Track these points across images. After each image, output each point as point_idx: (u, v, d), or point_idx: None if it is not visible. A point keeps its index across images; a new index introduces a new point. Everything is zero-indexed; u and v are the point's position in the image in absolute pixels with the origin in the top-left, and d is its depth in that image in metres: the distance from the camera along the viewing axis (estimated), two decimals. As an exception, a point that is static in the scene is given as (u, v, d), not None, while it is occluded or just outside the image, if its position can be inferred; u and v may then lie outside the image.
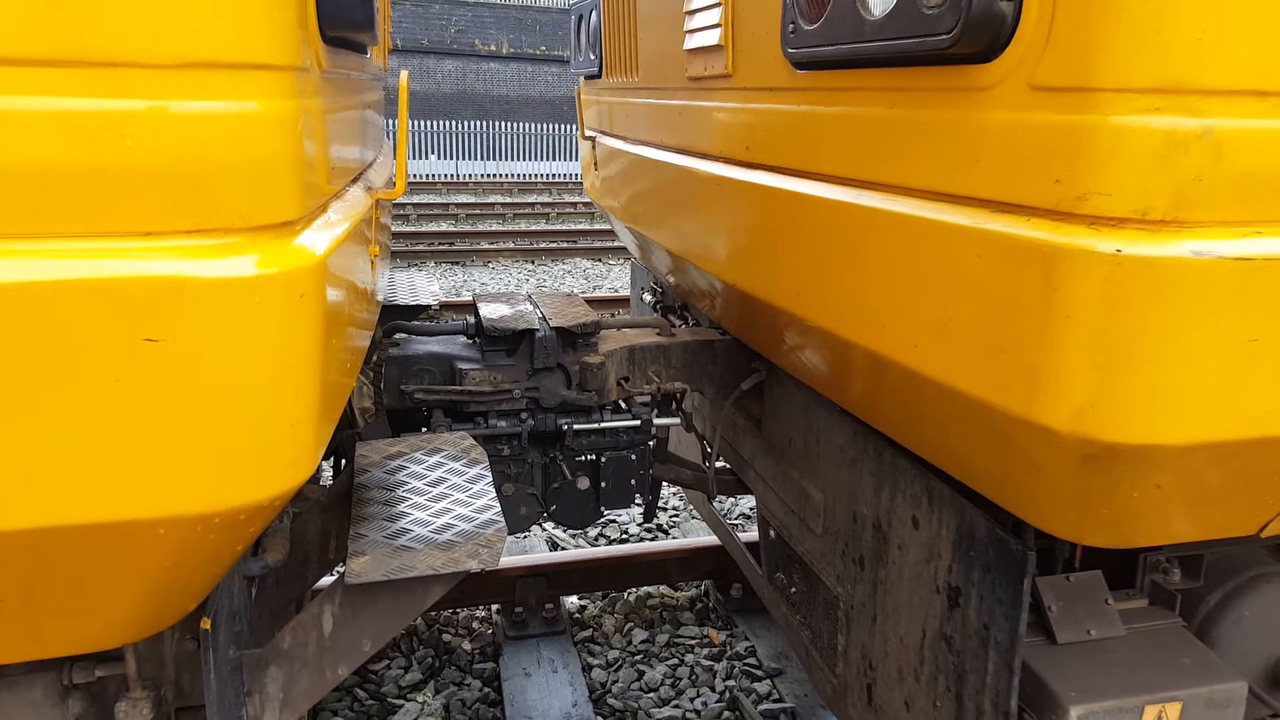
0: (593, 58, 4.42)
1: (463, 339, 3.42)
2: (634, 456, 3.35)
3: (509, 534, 3.50)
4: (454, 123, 33.19)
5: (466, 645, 4.79)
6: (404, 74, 1.97)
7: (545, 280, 13.72)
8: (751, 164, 2.59)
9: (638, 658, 4.65)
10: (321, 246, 1.40)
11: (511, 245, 15.88)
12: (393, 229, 16.29)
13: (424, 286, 4.51)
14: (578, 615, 5.01)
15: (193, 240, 1.26)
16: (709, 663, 4.57)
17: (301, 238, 1.38)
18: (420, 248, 15.38)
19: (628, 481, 3.36)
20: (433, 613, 4.94)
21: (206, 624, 1.69)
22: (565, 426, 3.27)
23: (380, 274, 2.76)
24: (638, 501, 3.47)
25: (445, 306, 10.83)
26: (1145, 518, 1.79)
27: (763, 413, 3.42)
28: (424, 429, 3.31)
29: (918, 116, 1.82)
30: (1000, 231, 1.62)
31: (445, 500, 2.25)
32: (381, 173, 2.62)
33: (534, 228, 18.25)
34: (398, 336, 3.46)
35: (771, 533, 3.42)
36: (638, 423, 3.33)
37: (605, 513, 3.46)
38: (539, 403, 3.25)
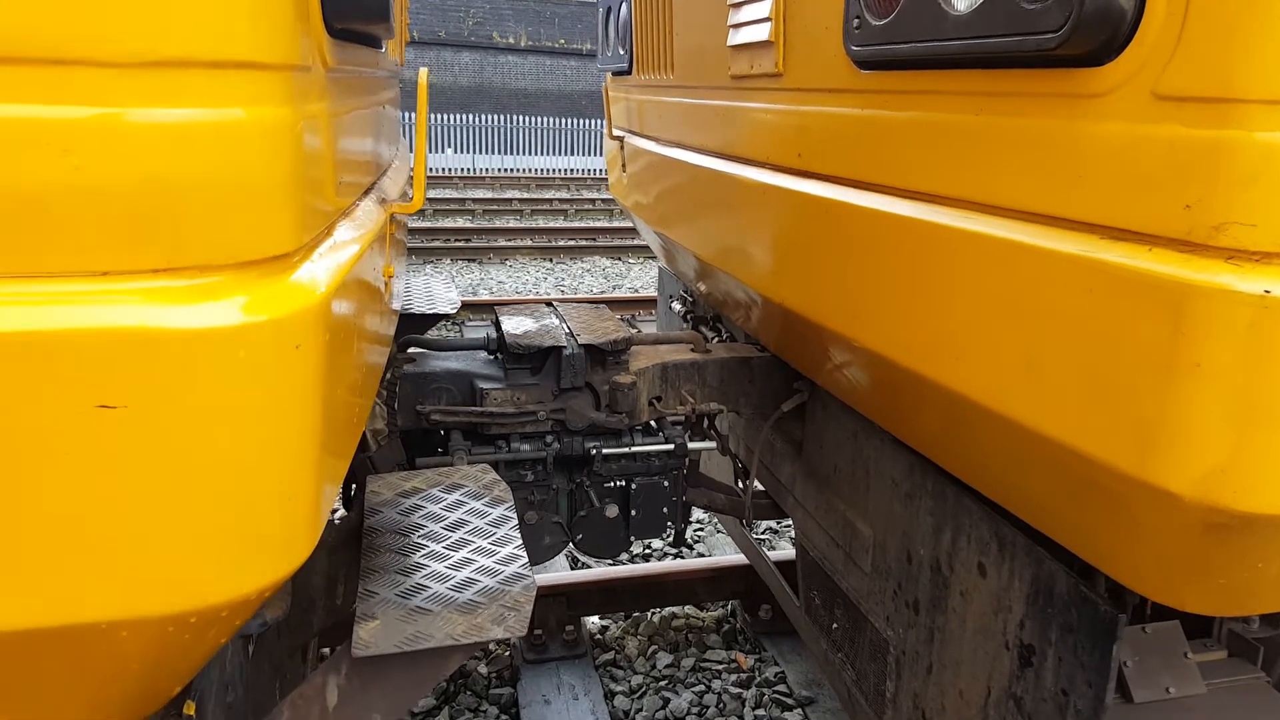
0: (622, 53, 4.19)
1: (483, 355, 3.20)
2: (666, 483, 3.13)
3: (533, 564, 3.30)
4: (471, 116, 33.01)
5: (483, 669, 4.58)
6: (423, 72, 1.74)
7: (564, 279, 13.50)
8: (804, 172, 2.36)
9: (662, 683, 4.43)
10: (324, 282, 1.18)
11: (529, 243, 15.67)
12: (410, 225, 16.10)
13: (442, 293, 4.30)
14: (599, 637, 4.80)
15: (159, 282, 1.03)
16: (737, 690, 4.35)
17: (299, 273, 1.16)
18: (436, 244, 15.19)
19: (659, 509, 3.15)
20: (449, 632, 4.75)
21: (191, 709, 1.47)
22: (593, 450, 3.05)
23: (396, 286, 2.55)
24: (670, 530, 3.25)
25: (464, 306, 10.62)
26: (1269, 589, 1.56)
27: (804, 436, 3.19)
28: (440, 450, 3.10)
29: (1010, 126, 1.59)
30: (1113, 262, 1.39)
31: (466, 549, 2.03)
32: (398, 179, 2.40)
33: (552, 224, 18.04)
34: (412, 351, 3.25)
35: (811, 561, 3.20)
36: (671, 446, 3.11)
37: (635, 542, 3.24)
38: (565, 425, 3.03)
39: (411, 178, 1.78)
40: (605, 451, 3.06)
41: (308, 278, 1.16)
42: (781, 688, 4.36)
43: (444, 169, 30.55)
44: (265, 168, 1.08)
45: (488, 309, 10.70)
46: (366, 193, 1.82)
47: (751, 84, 2.65)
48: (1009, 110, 1.60)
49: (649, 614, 4.94)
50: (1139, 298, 1.35)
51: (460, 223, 18.35)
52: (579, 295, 12.03)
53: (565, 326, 3.18)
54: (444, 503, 2.27)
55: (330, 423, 1.24)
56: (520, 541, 2.07)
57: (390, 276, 1.87)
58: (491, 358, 3.18)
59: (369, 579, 1.96)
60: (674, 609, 4.98)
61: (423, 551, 2.04)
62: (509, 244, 15.51)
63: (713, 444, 3.26)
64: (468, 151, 32.73)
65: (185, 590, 1.09)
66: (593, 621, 4.92)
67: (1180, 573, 1.53)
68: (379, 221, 1.70)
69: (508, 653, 4.67)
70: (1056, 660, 1.97)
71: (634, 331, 3.19)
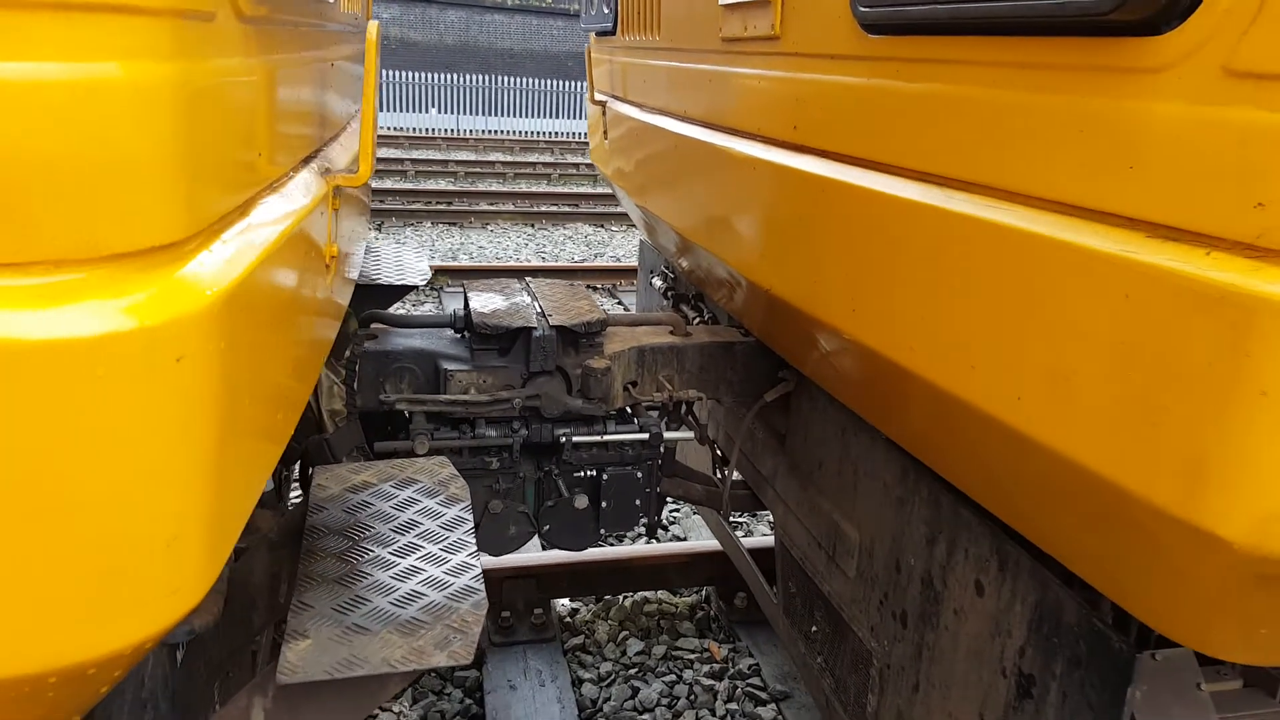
0: (606, 11, 3.94)
1: (449, 333, 2.99)
2: (640, 473, 2.94)
3: (496, 555, 3.10)
4: (456, 75, 32.38)
5: (448, 650, 4.40)
6: (372, 26, 1.51)
7: (545, 245, 13.22)
8: (799, 146, 2.15)
9: (632, 672, 4.28)
10: (225, 276, 0.96)
11: (511, 207, 15.35)
12: (391, 186, 15.68)
13: (412, 263, 4.06)
14: (569, 620, 4.63)
15: (1, 280, 0.82)
16: (709, 681, 4.20)
17: (190, 266, 0.94)
18: (417, 206, 14.84)
19: (632, 501, 2.96)
20: (412, 614, 4.56)
21: None
22: (563, 438, 2.85)
23: (349, 262, 2.31)
24: (643, 523, 3.06)
25: (440, 272, 10.35)
26: (1315, 639, 1.38)
27: (788, 427, 3.00)
28: (402, 435, 2.88)
29: (1043, 103, 1.38)
30: (1162, 266, 1.19)
31: (414, 555, 1.83)
32: (352, 145, 2.16)
33: (535, 189, 17.71)
34: (375, 328, 3.03)
35: (791, 559, 3.03)
36: (646, 436, 2.91)
37: (605, 535, 3.05)
38: (539, 412, 2.83)
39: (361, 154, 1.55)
40: (576, 439, 2.86)
41: (201, 272, 0.93)
42: (756, 680, 4.21)
43: (428, 129, 30.00)
44: (139, 138, 0.85)
45: (467, 274, 10.43)
46: (307, 161, 1.59)
47: (744, 47, 2.42)
48: (1041, 85, 1.38)
49: (621, 598, 4.78)
50: (1193, 309, 1.16)
51: (443, 185, 17.98)
52: (560, 263, 11.77)
53: (537, 305, 2.97)
54: (395, 500, 2.06)
55: (232, 444, 1.03)
56: (474, 548, 1.87)
57: (335, 256, 1.64)
58: (459, 336, 2.96)
59: (305, 588, 1.76)
60: (646, 594, 4.81)
61: (367, 558, 1.84)
62: (491, 208, 15.20)
63: (690, 434, 3.06)
64: (452, 112, 32.15)
65: (35, 650, 0.88)
66: (562, 604, 4.75)
67: (1216, 619, 1.35)
68: (318, 195, 1.47)
69: (473, 636, 4.49)
70: (1060, 695, 1.80)
71: (609, 313, 2.97)
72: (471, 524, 1.95)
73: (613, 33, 3.88)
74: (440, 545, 1.88)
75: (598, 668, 4.29)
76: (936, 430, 1.92)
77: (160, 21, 0.87)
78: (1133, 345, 1.25)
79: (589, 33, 4.46)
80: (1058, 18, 1.28)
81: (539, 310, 2.91)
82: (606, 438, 2.88)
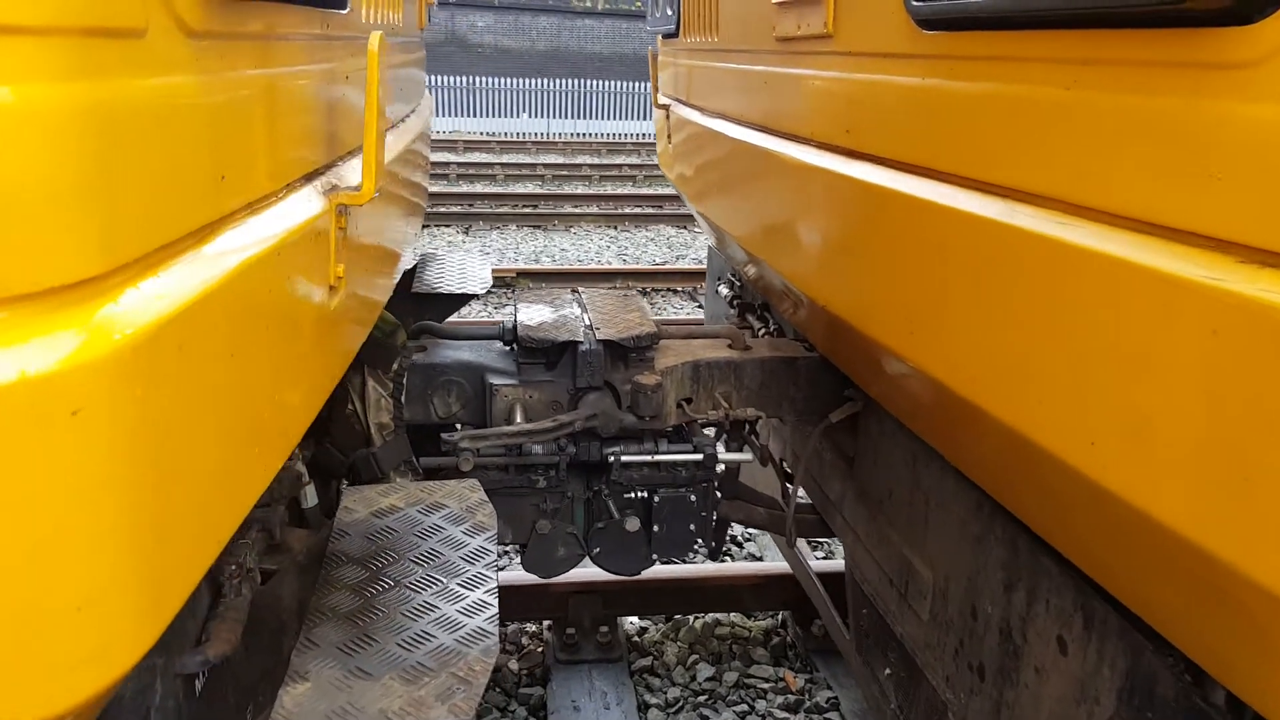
0: (670, 12, 3.80)
1: (499, 345, 2.89)
2: (693, 496, 2.79)
3: (545, 576, 3.00)
4: (547, 80, 32.67)
5: (514, 665, 4.32)
6: (374, 38, 1.40)
7: (627, 248, 13.13)
8: (853, 152, 1.98)
9: (701, 699, 4.11)
10: (152, 313, 0.86)
11: (596, 209, 15.34)
12: (481, 191, 15.80)
13: (475, 272, 3.99)
14: (637, 639, 4.50)
15: None
16: (784, 714, 4.00)
17: (107, 307, 0.84)
18: (504, 210, 14.96)
19: (685, 525, 2.81)
20: (476, 628, 4.49)
21: None
22: (611, 457, 2.72)
23: (377, 277, 2.23)
24: (699, 546, 2.92)
25: (521, 275, 10.36)
26: None
27: (856, 450, 2.81)
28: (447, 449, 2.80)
29: (1116, 104, 1.19)
30: (1258, 298, 1.00)
31: (431, 590, 1.73)
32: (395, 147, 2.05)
33: (620, 191, 17.69)
34: (425, 339, 2.96)
35: (862, 594, 2.84)
36: (699, 457, 2.76)
37: (658, 560, 2.92)
38: (596, 432, 2.71)
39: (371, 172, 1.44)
40: (625, 458, 2.73)
41: (116, 313, 0.83)
42: (834, 716, 3.98)
43: (518, 134, 30.36)
44: (36, 168, 0.75)
45: (548, 278, 10.42)
46: (310, 179, 1.49)
47: (798, 47, 2.25)
48: (1114, 84, 1.19)
49: (691, 619, 4.62)
50: (1295, 351, 0.96)
51: (530, 188, 18.11)
52: (640, 265, 11.67)
53: (586, 317, 2.85)
54: (419, 526, 1.97)
55: (167, 496, 0.93)
56: (494, 584, 1.76)
57: (341, 277, 1.55)
58: (507, 349, 2.87)
59: (314, 623, 1.68)
60: (718, 615, 4.64)
61: (382, 592, 1.75)
62: (575, 210, 15.22)
63: (749, 455, 2.90)
64: (543, 116, 32.45)
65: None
66: (630, 622, 4.61)
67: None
68: (312, 215, 1.37)
69: (540, 649, 4.41)
70: (1152, 774, 1.59)
71: (664, 325, 2.83)
72: (494, 556, 1.84)
73: (676, 34, 3.74)
74: (459, 579, 1.78)
75: (665, 692, 4.15)
76: (1006, 469, 1.72)
77: (59, 41, 0.77)
78: (1221, 390, 1.05)
79: (656, 35, 4.33)
80: (1129, 7, 1.09)
81: (587, 323, 2.79)
82: (658, 457, 2.75)
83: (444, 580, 1.77)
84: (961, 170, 1.55)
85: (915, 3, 1.58)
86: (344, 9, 1.68)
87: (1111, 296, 1.20)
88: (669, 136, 3.97)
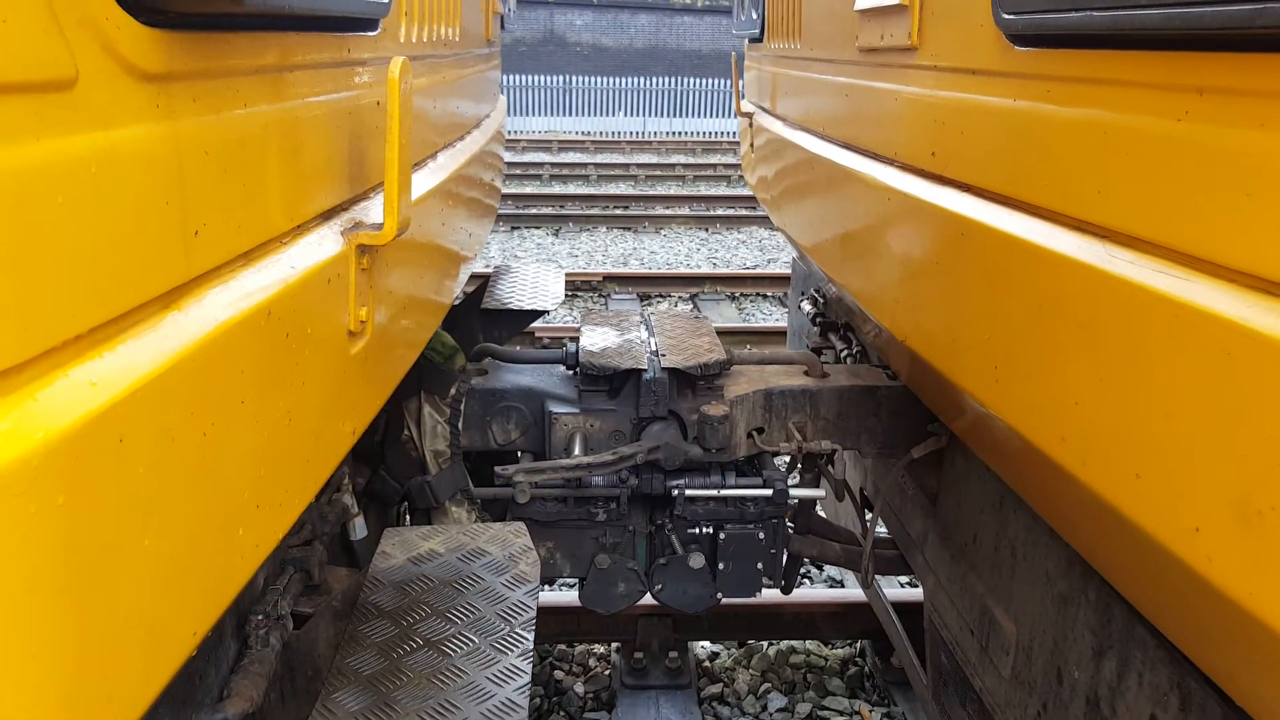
0: (754, 15, 3.63)
1: (561, 370, 2.78)
2: (762, 534, 2.63)
3: (604, 611, 2.87)
4: (643, 79, 32.61)
5: (579, 688, 4.22)
6: (395, 63, 1.28)
7: (717, 250, 12.91)
8: (938, 177, 1.79)
9: (772, 731, 3.95)
10: (86, 404, 0.75)
11: (687, 211, 15.16)
12: (573, 192, 15.78)
13: (547, 286, 3.89)
14: (707, 665, 4.35)
15: None
16: (857, 750, 3.81)
17: (30, 404, 0.72)
18: (595, 211, 14.92)
19: (753, 564, 2.65)
20: (546, 645, 4.41)
21: None
22: (675, 490, 2.58)
23: (452, 282, 2.10)
24: (767, 583, 2.75)
25: (608, 279, 10.28)
26: None
27: (940, 487, 2.61)
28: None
29: (1234, 141, 1.00)
30: None
31: (461, 652, 1.62)
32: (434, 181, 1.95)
33: (713, 191, 17.48)
34: (486, 362, 2.86)
35: (940, 640, 2.63)
36: (769, 493, 2.60)
37: (722, 599, 2.76)
38: (659, 465, 2.57)
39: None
40: (690, 492, 2.58)
41: (34, 409, 0.72)
42: (909, 754, 3.80)
43: (614, 132, 30.37)
44: None
45: (635, 282, 10.32)
46: (328, 217, 1.39)
47: (881, 58, 2.07)
48: (1234, 117, 1.00)
49: (765, 645, 4.45)
50: None
51: (623, 189, 18.04)
52: (730, 269, 11.46)
53: (652, 342, 2.71)
54: (456, 574, 1.87)
55: (114, 597, 0.82)
56: (529, 646, 1.64)
57: (364, 320, 1.44)
58: (569, 373, 2.75)
59: (334, 686, 1.58)
60: (793, 642, 4.46)
61: (408, 652, 1.64)
62: (666, 211, 15.07)
63: (822, 492, 2.72)
64: (638, 115, 32.39)
65: None
66: (702, 646, 4.47)
67: None
68: (322, 261, 1.26)
69: (607, 672, 4.30)
70: None
71: (730, 353, 2.67)
72: (533, 613, 1.72)
73: (760, 39, 3.57)
74: (493, 639, 1.67)
75: (735, 722, 3.99)
76: (1100, 537, 1.53)
77: None
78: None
79: (742, 39, 4.16)
80: (1253, 27, 0.90)
81: (653, 348, 2.65)
82: (725, 492, 2.59)
83: (476, 640, 1.66)
84: (1053, 205, 1.36)
85: (1006, 15, 1.40)
86: (373, 31, 1.57)
87: (1224, 369, 1.01)
88: (751, 144, 3.80)
